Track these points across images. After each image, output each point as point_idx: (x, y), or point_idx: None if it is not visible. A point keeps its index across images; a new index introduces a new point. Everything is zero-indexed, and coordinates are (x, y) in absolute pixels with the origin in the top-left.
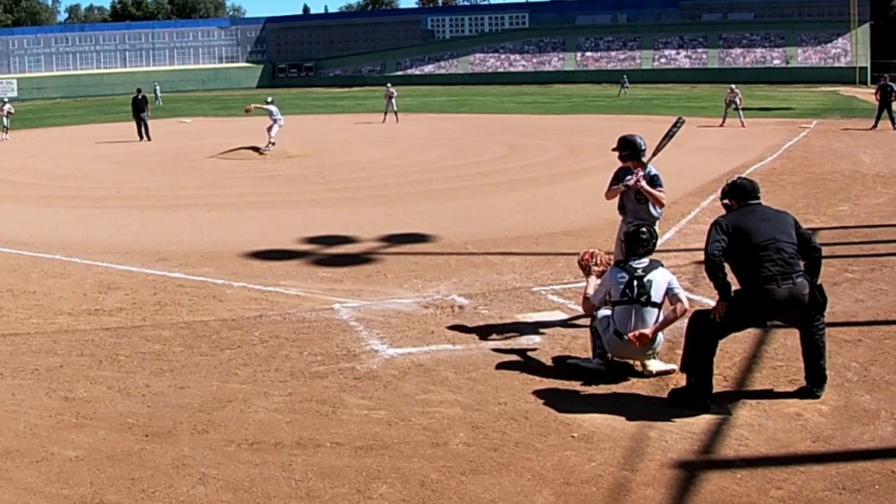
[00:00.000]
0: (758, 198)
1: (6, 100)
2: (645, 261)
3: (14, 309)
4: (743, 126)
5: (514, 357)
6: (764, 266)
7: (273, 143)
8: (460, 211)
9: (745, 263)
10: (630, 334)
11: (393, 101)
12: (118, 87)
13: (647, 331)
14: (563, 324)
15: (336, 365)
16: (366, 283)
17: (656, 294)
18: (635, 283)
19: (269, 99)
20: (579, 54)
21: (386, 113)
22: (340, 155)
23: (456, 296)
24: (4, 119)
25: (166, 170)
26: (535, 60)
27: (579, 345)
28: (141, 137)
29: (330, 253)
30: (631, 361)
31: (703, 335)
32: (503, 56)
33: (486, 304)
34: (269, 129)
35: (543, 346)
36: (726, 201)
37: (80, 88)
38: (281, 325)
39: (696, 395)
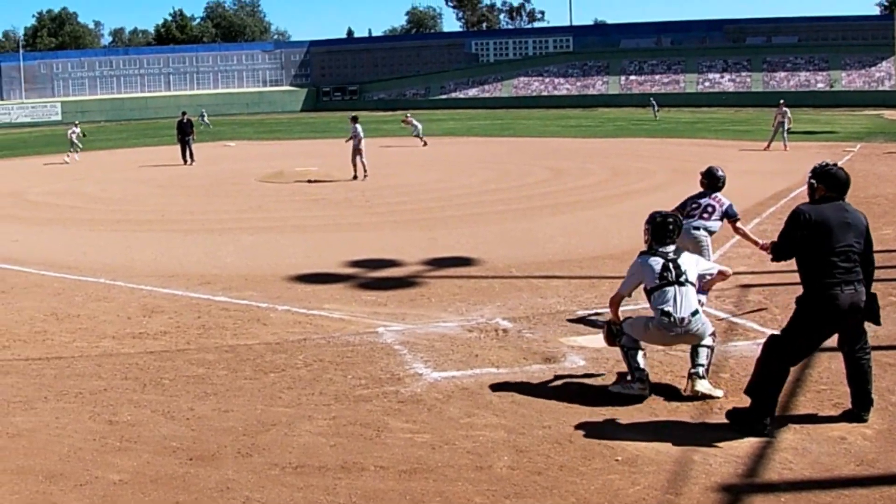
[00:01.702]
0: (845, 194)
1: (77, 122)
2: (671, 247)
3: (58, 332)
4: (786, 149)
5: (558, 380)
6: (833, 270)
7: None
8: (504, 234)
9: (815, 262)
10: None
11: (415, 125)
12: (162, 110)
13: (727, 270)
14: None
15: (380, 388)
16: (410, 307)
17: (691, 276)
18: (671, 265)
19: (353, 115)
20: (623, 78)
21: (419, 137)
22: (384, 178)
23: (500, 319)
24: (75, 140)
25: (210, 193)
26: (578, 84)
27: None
28: (185, 161)
29: (374, 276)
30: (682, 387)
31: (779, 360)
32: (547, 79)
33: (530, 327)
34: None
35: (587, 370)
36: (813, 182)
37: (123, 112)
38: (325, 349)
39: (757, 419)
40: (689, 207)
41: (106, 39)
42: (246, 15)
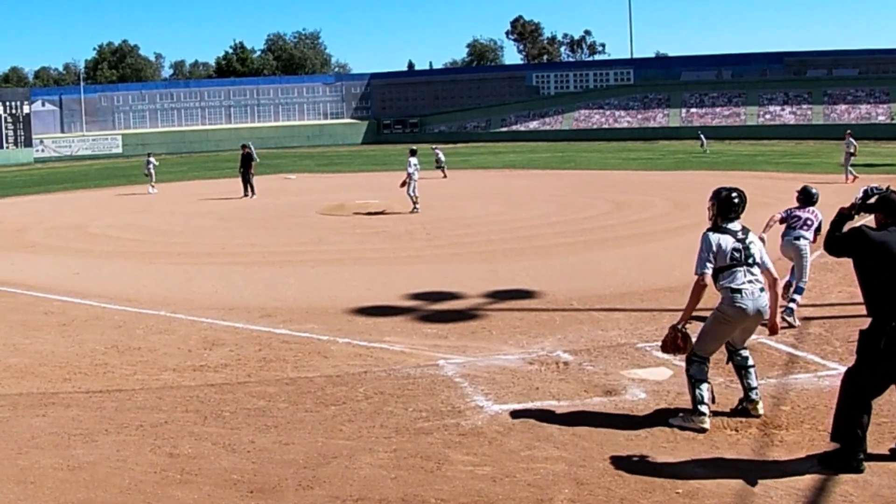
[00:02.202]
0: None
1: (151, 153)
2: (738, 225)
3: (119, 365)
4: (846, 181)
5: (619, 413)
6: None
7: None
8: (565, 267)
9: (882, 290)
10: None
11: (442, 159)
12: (223, 143)
13: (777, 320)
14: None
15: (441, 421)
16: (471, 339)
17: (757, 256)
18: (741, 245)
19: (413, 148)
20: (684, 110)
21: (441, 169)
22: (445, 211)
23: (561, 352)
24: (152, 171)
25: (271, 226)
26: (639, 116)
27: (684, 401)
28: (246, 194)
29: (435, 309)
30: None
31: (855, 396)
32: (608, 112)
33: (591, 360)
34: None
35: (648, 403)
36: (871, 202)
37: (184, 144)
38: (386, 382)
39: (849, 458)
40: (791, 220)
41: (167, 72)
42: (306, 47)
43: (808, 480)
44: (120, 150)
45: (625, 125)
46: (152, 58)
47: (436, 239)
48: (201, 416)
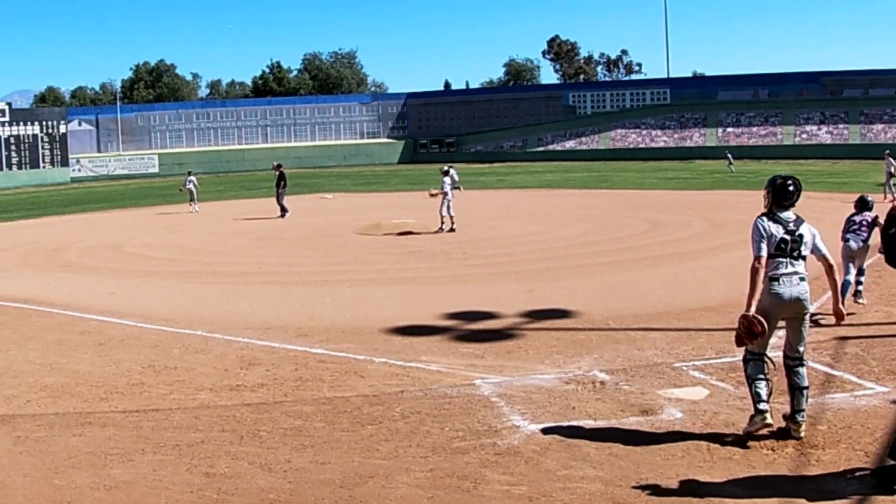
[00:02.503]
0: None
1: (191, 171)
2: (792, 215)
3: (156, 384)
4: (883, 200)
5: (656, 432)
6: None
7: (448, 220)
8: (602, 286)
9: None
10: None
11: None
12: (259, 162)
13: (842, 308)
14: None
15: (477, 440)
16: (507, 359)
17: (805, 248)
18: (789, 237)
19: (446, 168)
20: (720, 129)
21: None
22: (481, 230)
23: (597, 371)
24: (192, 190)
25: (307, 245)
26: (676, 136)
27: (720, 420)
28: (282, 213)
29: (471, 328)
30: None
31: None
32: (644, 131)
33: (628, 379)
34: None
35: (685, 422)
36: None
37: (220, 164)
38: (422, 401)
39: None
40: (848, 224)
41: (203, 91)
42: (343, 67)
43: (845, 501)
44: (156, 170)
45: (661, 144)
46: (189, 77)
47: (472, 258)
48: (238, 435)
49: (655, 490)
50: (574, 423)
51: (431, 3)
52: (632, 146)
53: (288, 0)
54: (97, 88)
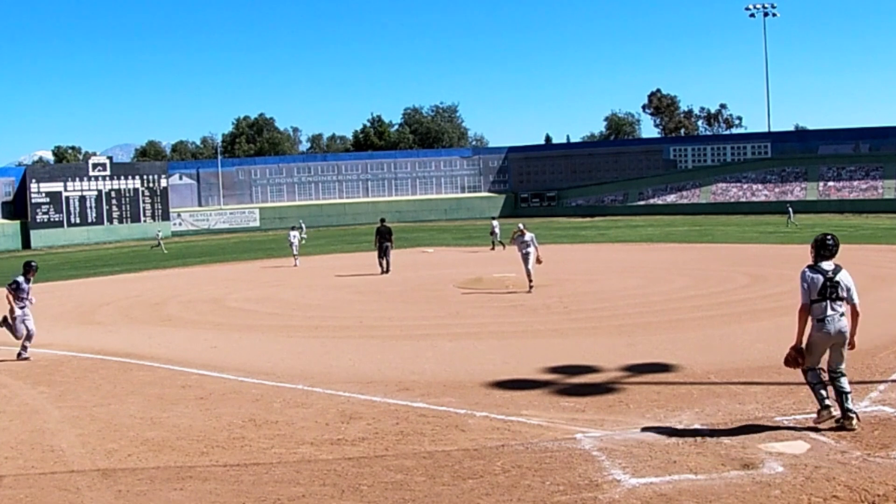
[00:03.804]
0: None
1: (294, 227)
2: (831, 264)
3: (256, 438)
4: None
5: (757, 487)
6: None
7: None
8: (702, 340)
9: None
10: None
11: (496, 232)
12: (360, 216)
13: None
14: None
15: (578, 495)
16: (608, 413)
17: (843, 292)
18: (828, 283)
19: (520, 226)
20: (822, 183)
21: (493, 245)
22: (582, 284)
23: (699, 425)
24: (296, 244)
25: (408, 299)
26: (776, 190)
27: (821, 474)
28: (381, 268)
29: (572, 382)
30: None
31: None
32: (745, 185)
33: (729, 433)
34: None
35: (786, 476)
36: None
37: (321, 218)
38: (523, 455)
39: None
40: None
41: (304, 146)
42: (443, 120)
43: None
44: (257, 224)
45: (762, 198)
46: (289, 131)
47: (573, 312)
48: (339, 489)
49: None
50: (675, 477)
51: (532, 58)
52: (733, 200)
53: (389, 55)
54: (198, 142)
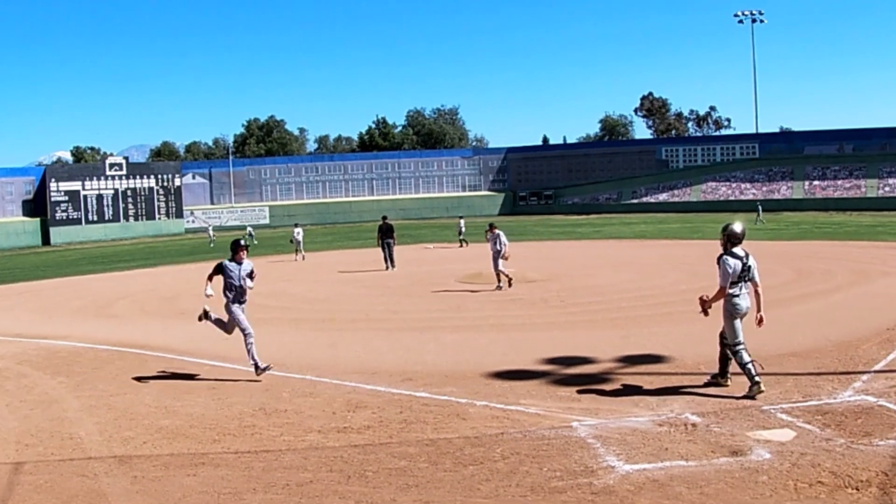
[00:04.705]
0: None
1: (297, 223)
2: (742, 251)
3: (266, 426)
4: None
5: (745, 473)
6: None
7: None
8: (693, 333)
9: None
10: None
11: (462, 230)
12: (365, 213)
13: (762, 314)
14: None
15: (574, 480)
16: (603, 402)
17: (753, 274)
18: (745, 267)
19: (495, 230)
20: (807, 183)
21: (461, 241)
22: (579, 279)
23: (689, 414)
24: (299, 241)
25: (412, 293)
26: (764, 189)
27: (807, 461)
28: (387, 266)
29: (568, 373)
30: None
31: None
32: (734, 184)
33: (718, 421)
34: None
35: (773, 463)
36: None
37: (328, 215)
38: (521, 443)
39: None
40: None
41: (311, 146)
42: (445, 122)
43: None
44: (267, 221)
45: (750, 197)
46: (297, 132)
47: (570, 306)
48: (345, 475)
49: None
50: (666, 463)
51: (530, 62)
52: (722, 198)
53: (393, 59)
54: (210, 143)
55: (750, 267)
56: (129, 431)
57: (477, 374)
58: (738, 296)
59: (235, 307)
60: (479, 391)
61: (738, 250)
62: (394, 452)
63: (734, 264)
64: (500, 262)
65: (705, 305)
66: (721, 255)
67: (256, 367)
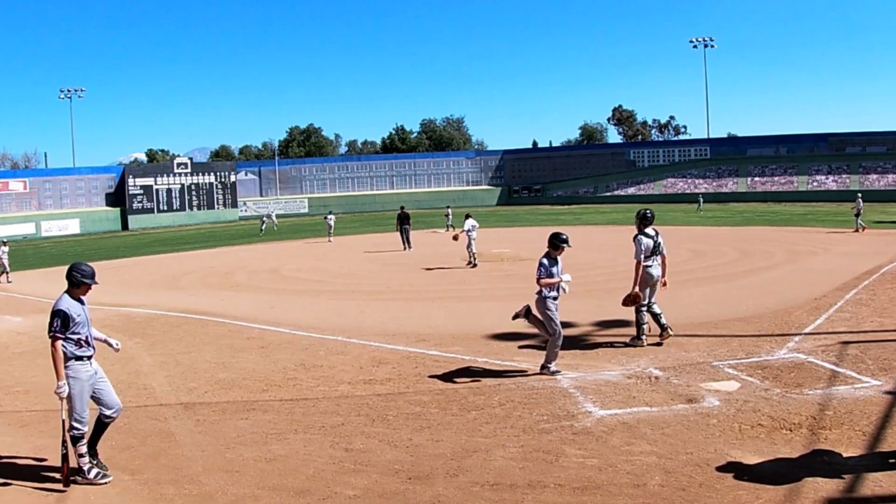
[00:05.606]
0: None
1: (331, 210)
2: (652, 230)
3: (306, 379)
4: (856, 230)
5: (698, 417)
6: None
7: (474, 256)
8: (657, 301)
9: None
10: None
11: (449, 217)
12: (387, 204)
13: (664, 279)
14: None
15: (558, 423)
16: (582, 359)
17: (662, 249)
18: (655, 244)
19: (465, 217)
20: (750, 179)
21: (448, 227)
22: (563, 258)
23: (653, 369)
24: (331, 225)
25: (424, 270)
26: (714, 184)
27: (749, 407)
28: (404, 247)
29: None
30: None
31: None
32: (689, 180)
33: (676, 375)
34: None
35: (721, 409)
36: None
37: (356, 206)
38: (515, 392)
39: None
40: None
41: (342, 149)
42: (452, 129)
43: (846, 468)
44: (306, 210)
45: (703, 190)
46: (332, 137)
47: None
48: (370, 419)
49: (698, 461)
50: (634, 409)
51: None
52: (679, 192)
53: (410, 77)
54: (259, 146)
55: (660, 244)
56: (192, 383)
57: (478, 336)
58: (651, 266)
59: None
60: (480, 350)
61: (649, 230)
62: (410, 400)
63: (646, 242)
64: (470, 243)
65: (634, 296)
66: (636, 235)
67: None
